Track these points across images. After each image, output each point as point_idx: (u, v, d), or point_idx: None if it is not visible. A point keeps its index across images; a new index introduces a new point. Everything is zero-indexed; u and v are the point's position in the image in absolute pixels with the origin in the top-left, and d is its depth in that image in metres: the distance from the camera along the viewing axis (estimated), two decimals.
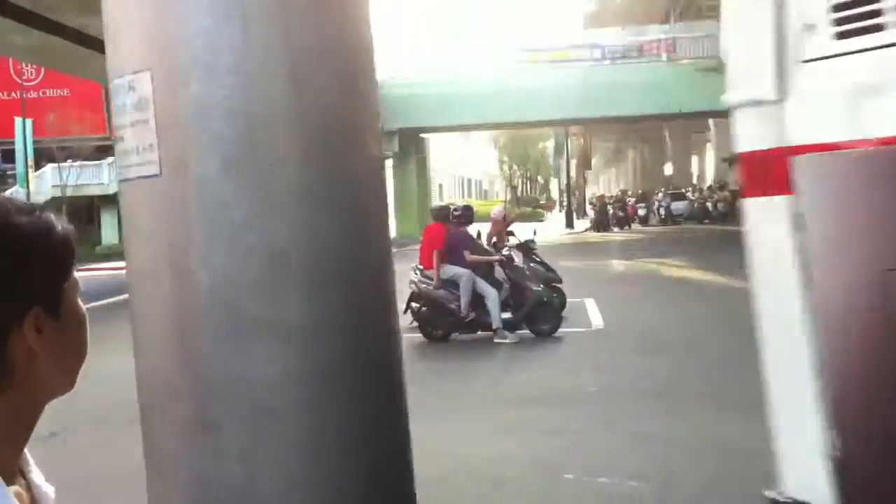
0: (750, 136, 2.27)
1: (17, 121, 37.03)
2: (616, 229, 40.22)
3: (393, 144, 35.37)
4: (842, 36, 2.09)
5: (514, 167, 62.45)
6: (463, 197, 62.05)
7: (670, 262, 21.71)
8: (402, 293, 12.20)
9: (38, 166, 41.22)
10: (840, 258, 2.03)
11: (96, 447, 7.02)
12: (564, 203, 48.07)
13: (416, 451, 5.21)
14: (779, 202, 2.23)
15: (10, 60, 41.25)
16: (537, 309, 11.27)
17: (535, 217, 48.45)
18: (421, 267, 11.77)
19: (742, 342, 10.35)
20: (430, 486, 5.54)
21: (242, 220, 0.91)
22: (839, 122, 2.12)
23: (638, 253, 25.65)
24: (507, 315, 11.21)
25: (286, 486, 0.92)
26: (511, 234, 13.64)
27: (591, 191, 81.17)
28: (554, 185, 68.02)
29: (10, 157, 43.44)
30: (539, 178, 69.20)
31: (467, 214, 11.98)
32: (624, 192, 53.91)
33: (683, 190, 49.77)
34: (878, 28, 1.99)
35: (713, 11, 40.64)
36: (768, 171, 2.25)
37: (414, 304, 11.67)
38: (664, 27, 38.75)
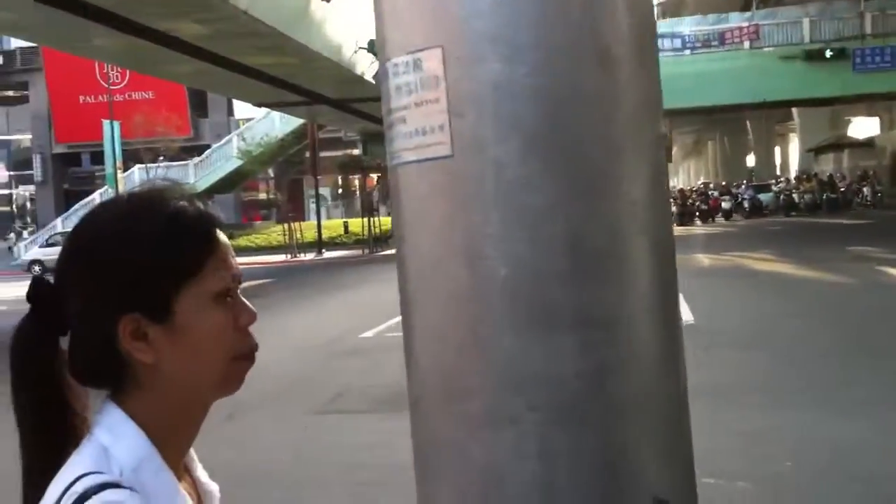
0: None
1: (105, 123, 38.05)
2: (699, 222, 39.57)
3: None
4: None
5: None
6: None
7: (757, 255, 21.30)
8: None
9: (125, 167, 42.29)
10: None
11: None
12: None
13: None
14: None
15: (96, 64, 42.40)
16: None
17: None
18: None
19: (836, 336, 10.18)
20: None
21: (545, 204, 0.87)
22: None
23: (723, 246, 25.23)
24: None
25: (586, 484, 0.88)
26: None
27: (671, 183, 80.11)
28: None
29: (98, 159, 44.68)
30: None
31: None
32: (706, 184, 52.95)
33: (770, 181, 48.73)
34: None
35: None
36: None
37: None
38: (746, 14, 37.92)
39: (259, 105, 35.25)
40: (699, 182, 63.41)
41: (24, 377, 1.10)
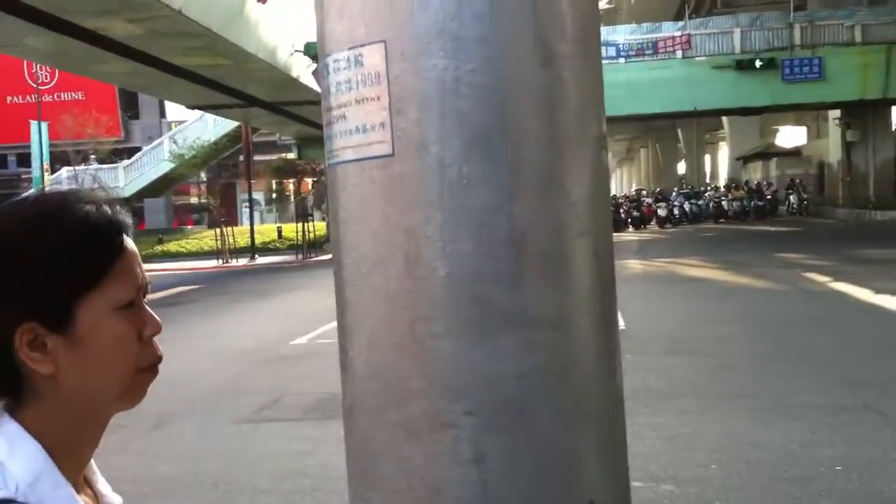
0: None
1: (33, 124, 37.18)
2: (631, 229, 40.06)
3: None
4: None
5: None
6: None
7: (687, 261, 21.65)
8: None
9: (53, 170, 41.36)
10: None
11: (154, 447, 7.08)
12: None
13: None
14: None
15: (25, 64, 41.44)
16: None
17: None
18: None
19: (763, 341, 10.39)
20: None
21: (488, 204, 0.85)
22: None
23: (654, 253, 25.58)
24: None
25: (523, 488, 0.86)
26: None
27: None
28: None
29: (26, 160, 43.65)
30: None
31: None
32: (640, 191, 53.64)
33: (700, 188, 49.57)
34: None
35: (728, 7, 40.48)
36: None
37: None
38: (679, 24, 38.58)
39: (192, 107, 34.76)
40: (633, 189, 64.18)
41: None
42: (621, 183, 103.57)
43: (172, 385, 9.60)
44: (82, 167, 42.24)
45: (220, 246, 35.55)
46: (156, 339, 1.12)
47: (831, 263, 18.73)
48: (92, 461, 1.16)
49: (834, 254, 21.02)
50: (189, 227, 51.67)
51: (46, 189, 1.12)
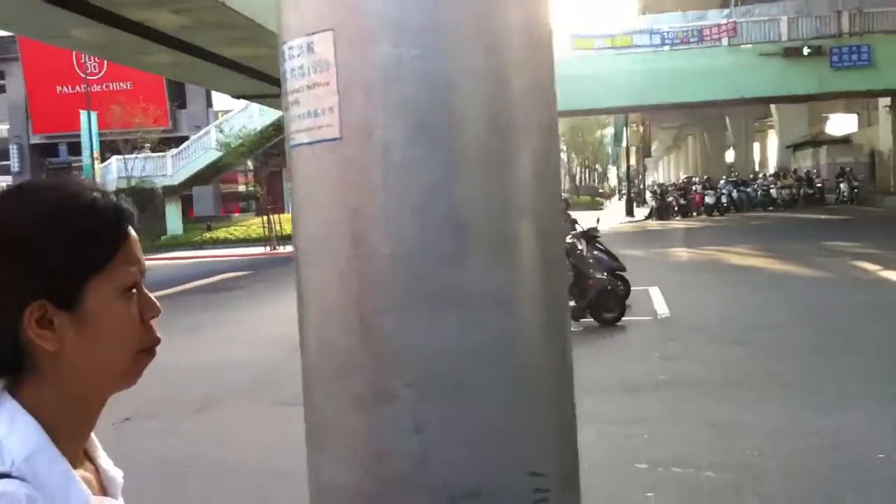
0: None
1: (83, 114, 37.76)
2: (678, 218, 39.69)
3: None
4: None
5: (573, 155, 61.94)
6: None
7: (734, 250, 21.41)
8: None
9: (103, 158, 41.98)
10: None
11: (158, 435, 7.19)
12: (624, 192, 47.49)
13: None
14: None
15: (74, 54, 42.07)
16: (601, 297, 11.18)
17: (595, 206, 48.04)
18: None
19: (811, 331, 10.24)
20: None
21: (430, 185, 0.88)
22: None
23: (701, 241, 25.34)
24: (571, 303, 11.10)
25: (462, 458, 0.90)
26: (575, 222, 13.55)
27: (651, 178, 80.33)
28: (612, 174, 67.33)
29: (76, 149, 44.36)
30: (598, 167, 68.57)
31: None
32: (689, 178, 53.03)
33: (749, 176, 48.93)
34: None
35: None
36: None
37: None
38: (724, 12, 38.06)
39: (237, 97, 35.05)
40: (682, 177, 63.48)
41: None
42: (668, 171, 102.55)
43: (217, 370, 9.77)
44: (132, 156, 42.84)
45: (266, 233, 35.89)
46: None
47: (881, 252, 18.42)
48: (93, 436, 1.21)
49: (884, 242, 20.67)
50: (236, 214, 52.17)
51: (54, 178, 1.17)
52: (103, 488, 1.20)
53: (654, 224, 37.54)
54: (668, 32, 35.29)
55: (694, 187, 44.71)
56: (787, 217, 35.21)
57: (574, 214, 14.24)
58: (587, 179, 67.16)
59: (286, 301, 17.88)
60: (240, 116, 43.70)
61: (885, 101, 40.75)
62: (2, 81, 54.56)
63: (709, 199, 41.79)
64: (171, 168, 45.27)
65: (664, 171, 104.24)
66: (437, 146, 0.89)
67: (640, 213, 43.19)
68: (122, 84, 47.74)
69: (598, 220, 14.13)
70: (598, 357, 9.44)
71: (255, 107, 41.55)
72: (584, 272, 11.25)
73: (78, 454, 1.15)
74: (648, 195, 47.37)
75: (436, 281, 0.90)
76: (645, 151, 56.73)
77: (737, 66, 33.97)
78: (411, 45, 0.89)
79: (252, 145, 42.32)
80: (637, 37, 35.14)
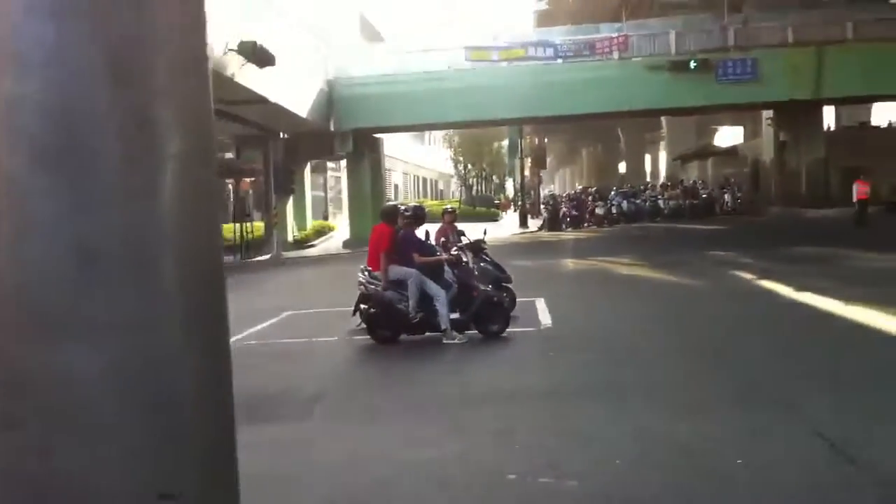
0: None
1: None
2: (570, 229, 40.35)
3: (347, 145, 35.17)
4: None
5: (469, 166, 62.39)
6: (418, 197, 61.95)
7: (619, 260, 21.88)
8: (352, 295, 12.16)
9: None
10: None
11: None
12: (519, 202, 48.09)
13: (362, 452, 5.08)
14: None
15: None
16: (486, 309, 11.20)
17: (490, 217, 48.47)
18: (369, 268, 11.69)
19: (684, 339, 10.45)
20: (374, 488, 5.51)
21: (54, 215, 0.90)
22: None
23: (589, 252, 25.82)
24: (455, 315, 11.12)
25: (89, 482, 0.91)
26: (462, 233, 13.63)
27: (548, 189, 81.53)
28: (510, 185, 68.10)
29: None
30: (494, 178, 69.25)
31: (418, 214, 11.81)
32: (585, 188, 53.97)
33: (640, 187, 50.13)
34: None
35: (664, 9, 40.87)
36: None
37: (362, 306, 11.58)
38: (616, 25, 38.92)
39: None
40: (578, 187, 64.51)
41: None
42: (564, 182, 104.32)
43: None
44: None
45: None
46: None
47: (759, 261, 19.07)
48: None
49: (763, 252, 21.41)
50: None
51: None
52: None
53: (546, 235, 38.08)
54: (560, 45, 35.85)
55: (589, 198, 45.57)
56: (674, 228, 36.17)
57: (468, 226, 14.31)
58: (484, 190, 67.74)
59: None
60: None
61: (768, 114, 42.30)
62: None
63: (599, 210, 42.64)
64: None
65: (560, 183, 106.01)
66: (60, 177, 0.92)
67: (534, 224, 43.74)
68: None
69: (485, 232, 14.22)
70: (480, 369, 9.51)
71: None
72: (468, 284, 11.30)
73: None
74: (542, 207, 48.00)
75: (60, 309, 0.92)
76: (539, 163, 57.50)
77: (626, 79, 34.72)
78: (32, 80, 0.91)
79: None
80: (531, 49, 35.56)
